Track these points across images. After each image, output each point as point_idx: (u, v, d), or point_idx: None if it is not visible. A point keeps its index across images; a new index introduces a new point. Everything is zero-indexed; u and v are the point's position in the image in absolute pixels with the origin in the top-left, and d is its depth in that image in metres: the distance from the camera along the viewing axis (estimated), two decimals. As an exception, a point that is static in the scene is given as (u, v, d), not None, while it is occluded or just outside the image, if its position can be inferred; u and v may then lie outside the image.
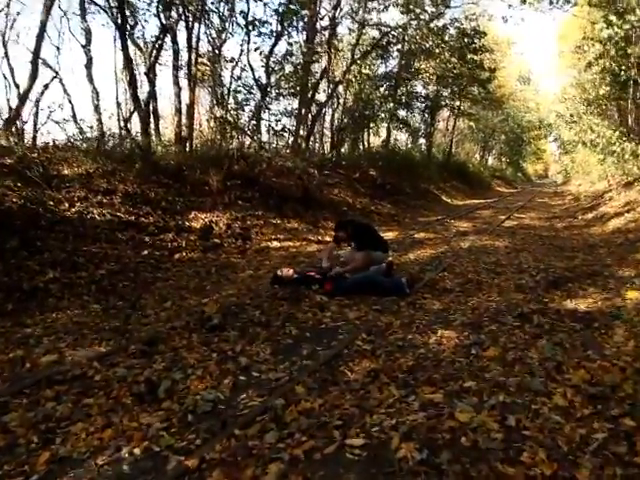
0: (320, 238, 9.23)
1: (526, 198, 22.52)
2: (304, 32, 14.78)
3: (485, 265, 6.30)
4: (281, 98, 14.64)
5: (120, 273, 5.67)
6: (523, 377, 2.68)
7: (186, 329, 3.78)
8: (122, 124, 12.32)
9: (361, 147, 20.29)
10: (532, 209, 16.32)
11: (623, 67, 13.86)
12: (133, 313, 4.46)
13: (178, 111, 12.30)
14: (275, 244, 8.40)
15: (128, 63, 11.16)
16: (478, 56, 19.65)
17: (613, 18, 12.34)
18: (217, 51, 13.96)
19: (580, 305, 4.16)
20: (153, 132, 12.46)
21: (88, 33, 13.23)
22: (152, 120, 12.65)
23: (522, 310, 3.92)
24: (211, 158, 10.01)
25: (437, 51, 19.02)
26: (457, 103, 25.36)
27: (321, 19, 15.43)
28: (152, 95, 12.50)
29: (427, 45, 18.82)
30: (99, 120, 12.41)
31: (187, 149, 11.50)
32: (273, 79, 14.10)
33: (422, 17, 17.26)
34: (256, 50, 12.22)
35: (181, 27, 12.48)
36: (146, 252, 6.48)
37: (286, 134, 12.90)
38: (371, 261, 5.30)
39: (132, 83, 11.23)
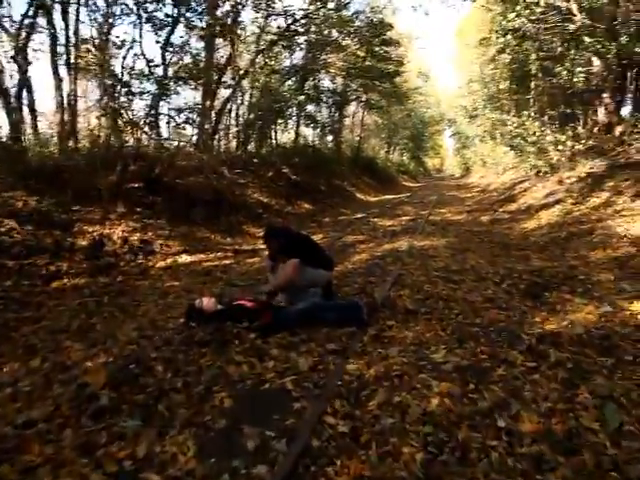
0: (238, 247, 7.97)
1: (435, 192, 22.71)
2: (204, 17, 13.33)
3: (436, 272, 5.44)
4: (182, 91, 13.10)
5: (-33, 317, 4.08)
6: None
7: (55, 419, 2.41)
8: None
9: (269, 144, 19.14)
10: (447, 203, 16.15)
11: (529, 59, 14.06)
12: (-22, 384, 2.99)
13: (60, 105, 10.34)
14: (185, 258, 7.02)
15: (-15, 43, 9.11)
16: (386, 47, 19.34)
17: (521, 9, 12.37)
18: (104, 37, 12.09)
19: (582, 322, 3.36)
20: (31, 129, 10.41)
21: None
22: (25, 115, 10.59)
23: (530, 343, 3.01)
24: (101, 158, 8.28)
25: (344, 43, 18.47)
26: (365, 97, 25.12)
27: (222, 3, 14.07)
28: (23, 85, 10.43)
29: (334, 36, 18.19)
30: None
31: (70, 148, 9.62)
32: (171, 70, 12.53)
33: (328, 6, 16.52)
34: (148, 23, 10.52)
35: (58, 7, 10.50)
36: (9, 283, 4.86)
37: (189, 127, 11.41)
38: (310, 280, 4.14)
39: (-8, 69, 9.18)
